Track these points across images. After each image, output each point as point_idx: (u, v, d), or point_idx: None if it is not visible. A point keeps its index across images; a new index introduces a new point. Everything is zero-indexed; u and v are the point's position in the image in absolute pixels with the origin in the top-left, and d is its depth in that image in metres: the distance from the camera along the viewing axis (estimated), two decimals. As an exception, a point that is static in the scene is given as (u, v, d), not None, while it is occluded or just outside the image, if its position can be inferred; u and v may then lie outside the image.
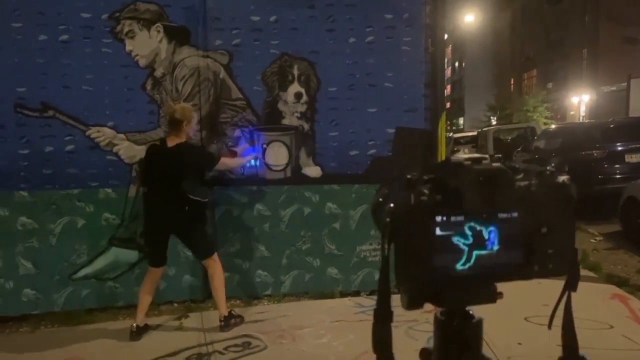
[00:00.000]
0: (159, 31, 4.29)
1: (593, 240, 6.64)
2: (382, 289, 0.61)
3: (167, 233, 3.80)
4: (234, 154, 4.38)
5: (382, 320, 0.61)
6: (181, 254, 4.29)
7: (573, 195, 0.64)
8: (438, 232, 0.61)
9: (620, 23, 26.27)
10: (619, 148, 8.63)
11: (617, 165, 8.52)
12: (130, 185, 4.30)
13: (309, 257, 4.64)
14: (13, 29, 4.06)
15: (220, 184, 4.45)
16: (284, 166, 4.58)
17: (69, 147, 4.21)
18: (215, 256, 3.87)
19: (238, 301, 4.50)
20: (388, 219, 0.59)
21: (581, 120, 25.68)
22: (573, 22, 30.56)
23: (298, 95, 4.53)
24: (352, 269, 4.68)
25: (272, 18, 4.45)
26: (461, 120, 47.79)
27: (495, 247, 0.63)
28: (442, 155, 4.65)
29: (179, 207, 3.64)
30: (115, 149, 4.26)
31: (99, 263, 4.33)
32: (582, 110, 29.59)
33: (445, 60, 4.57)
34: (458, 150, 16.85)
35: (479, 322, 0.69)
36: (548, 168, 0.64)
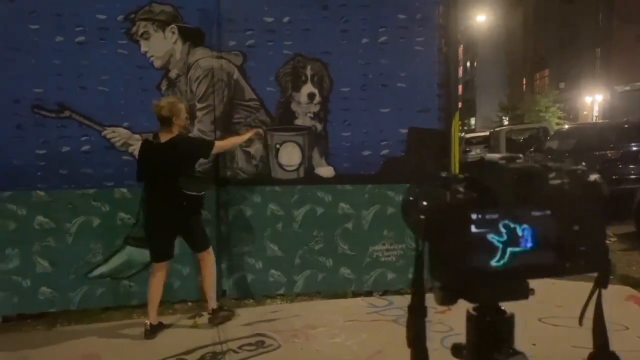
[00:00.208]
0: (173, 32, 4.33)
1: (607, 241, 6.57)
2: (416, 285, 0.62)
3: (168, 229, 3.85)
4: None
5: (417, 316, 0.63)
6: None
7: (604, 193, 0.65)
8: (473, 229, 0.62)
9: (634, 21, 25.93)
10: (634, 148, 8.55)
11: (631, 166, 8.45)
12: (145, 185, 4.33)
13: (322, 257, 4.65)
14: (30, 31, 4.12)
15: (233, 184, 4.48)
16: (297, 166, 4.59)
17: (85, 148, 4.26)
18: (210, 249, 3.96)
19: (251, 300, 4.53)
20: (423, 217, 0.60)
21: (595, 121, 25.41)
22: (586, 20, 30.24)
23: (311, 96, 4.55)
24: (364, 269, 4.69)
25: (286, 19, 4.47)
26: (473, 121, 47.54)
27: (529, 245, 0.64)
28: (455, 155, 4.64)
29: (178, 203, 3.71)
30: (130, 149, 4.31)
31: (114, 262, 4.37)
32: (595, 110, 29.30)
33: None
34: (470, 151, 16.77)
35: (511, 317, 0.69)
36: (580, 167, 0.64)
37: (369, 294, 4.64)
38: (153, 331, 3.80)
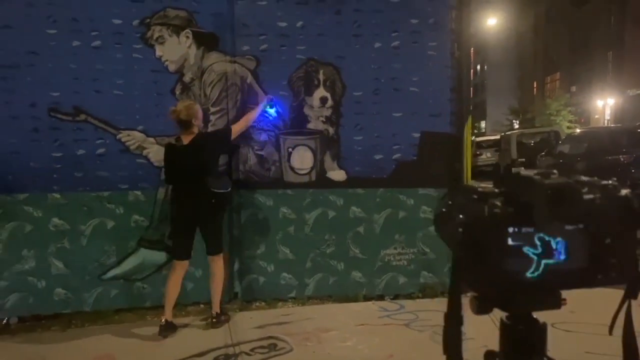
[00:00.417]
0: (188, 37, 4.38)
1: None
2: (453, 293, 0.64)
3: (195, 226, 3.96)
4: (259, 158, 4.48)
5: (454, 324, 0.64)
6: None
7: (636, 207, 0.66)
8: (510, 242, 0.64)
9: (646, 25, 25.70)
10: (647, 153, 8.47)
11: (644, 170, 8.36)
12: (159, 188, 4.38)
13: (333, 261, 4.66)
14: (48, 36, 4.18)
15: (246, 187, 4.51)
16: (309, 170, 4.62)
17: (100, 151, 4.31)
18: (222, 255, 4.06)
19: (262, 303, 4.55)
20: (460, 230, 0.62)
21: (606, 124, 25.21)
22: (598, 24, 29.99)
23: (324, 100, 4.57)
24: (376, 273, 4.69)
25: (299, 24, 4.50)
26: (483, 124, 47.32)
27: (563, 257, 0.65)
28: (467, 159, 4.64)
29: (207, 201, 3.85)
30: (144, 153, 4.36)
31: (128, 264, 4.41)
32: (607, 114, 29.04)
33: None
34: (480, 154, 16.71)
35: (544, 326, 0.71)
36: (611, 182, 0.66)
37: (380, 297, 4.64)
38: (167, 327, 3.85)
